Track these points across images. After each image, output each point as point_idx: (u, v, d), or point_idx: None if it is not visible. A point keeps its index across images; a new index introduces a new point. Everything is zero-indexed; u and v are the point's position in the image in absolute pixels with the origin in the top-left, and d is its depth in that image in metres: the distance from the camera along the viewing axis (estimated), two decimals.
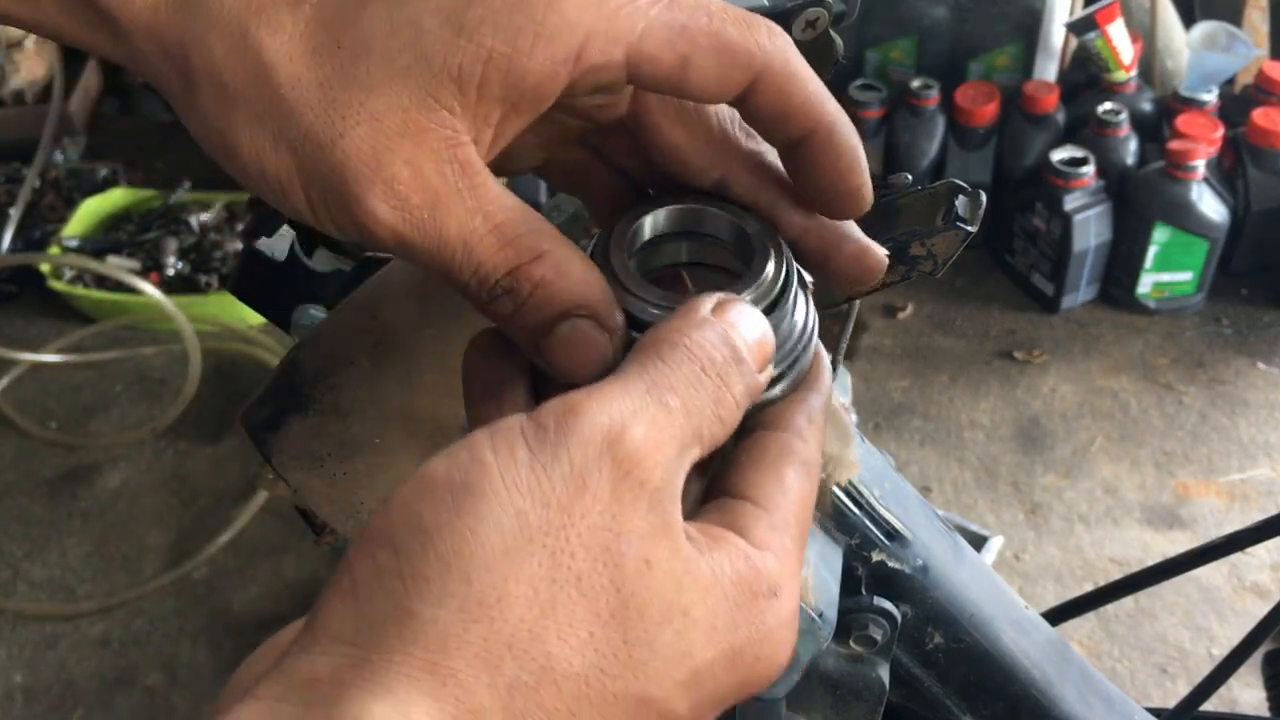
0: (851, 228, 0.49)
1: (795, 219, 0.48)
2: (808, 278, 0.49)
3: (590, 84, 0.42)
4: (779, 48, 0.43)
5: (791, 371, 0.46)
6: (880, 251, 0.48)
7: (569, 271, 0.43)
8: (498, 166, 0.48)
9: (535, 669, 0.35)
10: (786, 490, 0.43)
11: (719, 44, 0.42)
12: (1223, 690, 0.83)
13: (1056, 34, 2.93)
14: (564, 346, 0.43)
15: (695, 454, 0.40)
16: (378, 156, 0.40)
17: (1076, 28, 2.81)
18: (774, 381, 0.45)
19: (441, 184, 0.41)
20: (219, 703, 0.41)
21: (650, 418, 0.38)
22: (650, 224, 0.47)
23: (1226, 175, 2.79)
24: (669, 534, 0.38)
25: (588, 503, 0.36)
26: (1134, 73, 2.85)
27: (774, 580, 0.41)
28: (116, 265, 2.86)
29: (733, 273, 0.47)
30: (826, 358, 0.48)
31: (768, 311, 0.45)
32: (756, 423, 0.45)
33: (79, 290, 2.88)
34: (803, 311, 0.47)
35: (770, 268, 0.46)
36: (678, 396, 0.39)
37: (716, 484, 0.44)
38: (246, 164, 0.41)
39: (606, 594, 0.36)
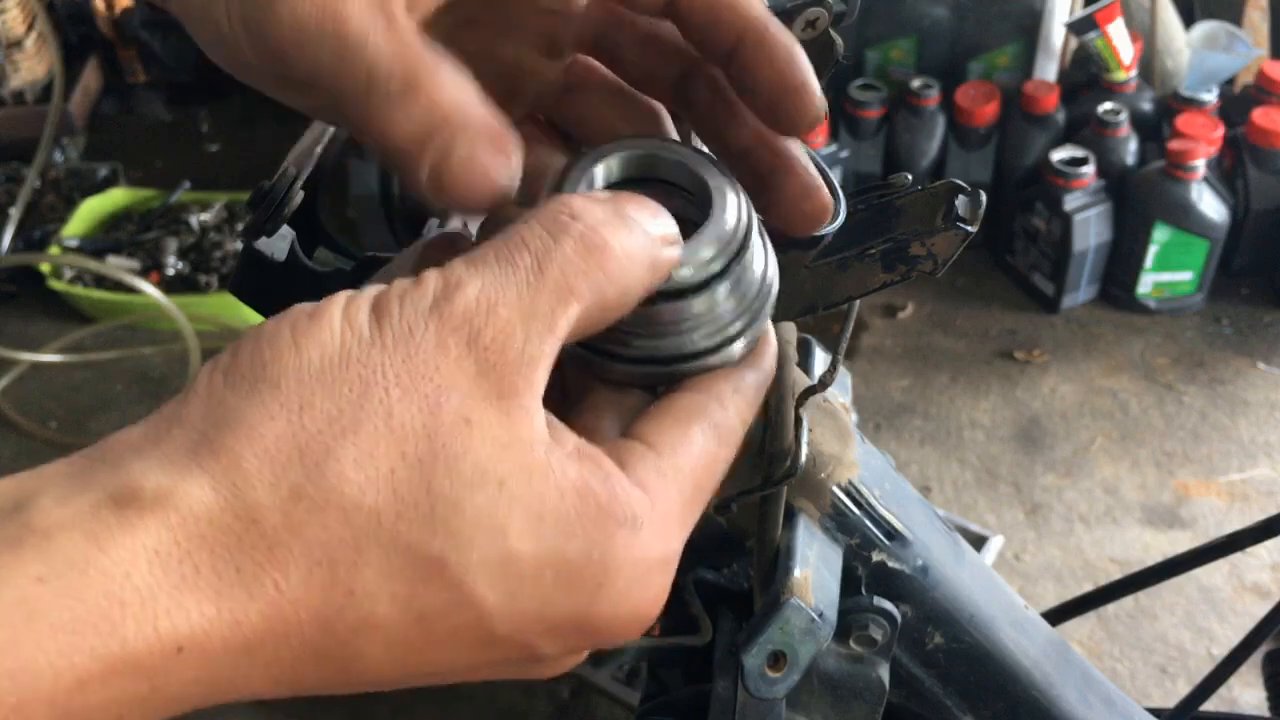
0: (803, 162, 0.47)
1: (744, 136, 0.47)
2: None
3: None
4: None
5: (751, 328, 0.44)
6: (826, 198, 0.47)
7: (469, 99, 0.42)
8: None
9: (324, 486, 0.34)
10: (688, 443, 0.41)
11: None
12: (1223, 690, 0.83)
13: (1057, 34, 2.93)
14: (464, 170, 0.42)
15: (570, 312, 0.38)
16: None
17: (1077, 27, 2.81)
18: (732, 339, 0.43)
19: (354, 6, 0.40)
20: None
21: (489, 275, 0.37)
22: (603, 171, 0.45)
23: (1227, 175, 2.79)
24: (500, 401, 0.36)
25: (410, 350, 0.35)
26: (1134, 72, 2.85)
27: (635, 512, 0.38)
28: (116, 265, 2.86)
29: (692, 222, 0.46)
30: (774, 338, 0.46)
31: (729, 263, 0.42)
32: (682, 385, 0.43)
33: (79, 290, 2.88)
34: (762, 262, 0.44)
35: (730, 215, 0.43)
36: (529, 252, 0.37)
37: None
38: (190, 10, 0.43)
39: (417, 438, 0.35)
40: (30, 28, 3.35)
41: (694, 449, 0.41)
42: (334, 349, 0.35)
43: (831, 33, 0.53)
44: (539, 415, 0.37)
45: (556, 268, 0.37)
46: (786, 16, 0.52)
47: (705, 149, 0.49)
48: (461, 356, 0.36)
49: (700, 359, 0.43)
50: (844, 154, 2.92)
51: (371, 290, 0.37)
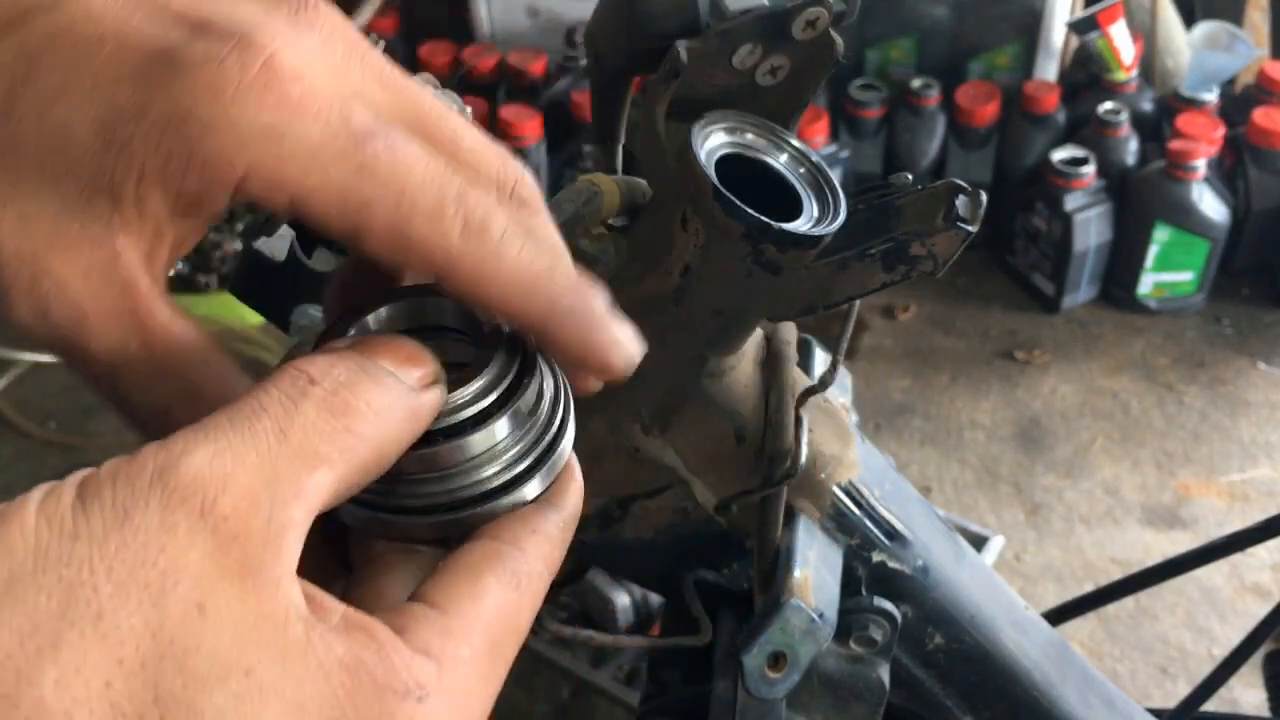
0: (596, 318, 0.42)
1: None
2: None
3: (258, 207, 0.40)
4: (471, 249, 0.39)
5: (545, 464, 0.41)
6: (633, 349, 0.42)
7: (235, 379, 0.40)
8: None
9: (21, 719, 0.29)
10: (478, 597, 0.37)
11: (396, 235, 0.39)
12: (1223, 690, 0.83)
13: (1057, 33, 2.93)
14: None
15: (318, 478, 0.34)
16: (21, 258, 0.37)
17: (1078, 27, 2.81)
18: (521, 477, 0.40)
19: (92, 303, 0.38)
20: None
21: (224, 441, 0.32)
22: (373, 320, 0.42)
23: (1227, 175, 2.79)
24: (244, 580, 0.31)
25: (127, 535, 0.30)
26: (1135, 72, 2.85)
27: (419, 680, 0.34)
28: None
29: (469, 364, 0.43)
30: (578, 474, 0.43)
31: (504, 395, 0.40)
32: (474, 535, 0.40)
33: None
34: (550, 391, 0.42)
35: (499, 356, 0.41)
36: (269, 417, 0.34)
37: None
38: None
39: (137, 638, 0.30)
40: None
41: (488, 601, 0.37)
42: (26, 554, 0.30)
43: (831, 32, 0.53)
44: (293, 588, 0.33)
45: (299, 432, 0.34)
46: (786, 16, 0.52)
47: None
48: (193, 531, 0.31)
49: (489, 502, 0.40)
50: (844, 154, 2.92)
51: (78, 476, 0.32)
